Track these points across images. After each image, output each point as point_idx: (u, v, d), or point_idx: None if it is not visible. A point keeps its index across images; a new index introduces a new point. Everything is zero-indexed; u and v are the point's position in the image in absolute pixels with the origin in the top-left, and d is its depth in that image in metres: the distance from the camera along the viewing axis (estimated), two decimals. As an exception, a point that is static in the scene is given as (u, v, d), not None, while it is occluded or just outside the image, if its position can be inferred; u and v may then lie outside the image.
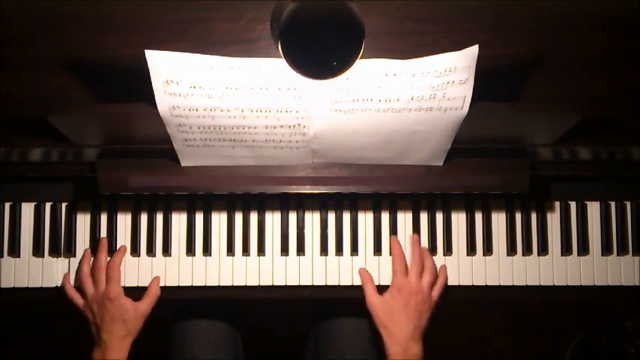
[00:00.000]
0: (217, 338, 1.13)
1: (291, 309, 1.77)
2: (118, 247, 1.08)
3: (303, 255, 1.10)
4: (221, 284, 1.08)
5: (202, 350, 1.08)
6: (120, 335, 1.01)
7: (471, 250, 1.10)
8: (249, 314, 1.37)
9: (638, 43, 0.97)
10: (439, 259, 1.10)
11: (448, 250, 1.10)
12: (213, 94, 0.83)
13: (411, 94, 0.84)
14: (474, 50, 0.79)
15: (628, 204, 1.12)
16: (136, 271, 1.09)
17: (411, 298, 1.02)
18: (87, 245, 1.09)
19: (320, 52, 0.69)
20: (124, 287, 1.08)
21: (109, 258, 1.06)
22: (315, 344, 1.23)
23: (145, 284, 1.08)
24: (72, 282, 1.07)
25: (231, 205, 1.10)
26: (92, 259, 1.07)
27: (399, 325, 1.01)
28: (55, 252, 1.09)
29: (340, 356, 1.16)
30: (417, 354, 1.00)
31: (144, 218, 1.10)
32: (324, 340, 1.21)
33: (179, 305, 1.20)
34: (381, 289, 1.07)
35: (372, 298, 1.04)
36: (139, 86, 0.83)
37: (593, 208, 1.12)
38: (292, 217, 1.10)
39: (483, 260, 1.10)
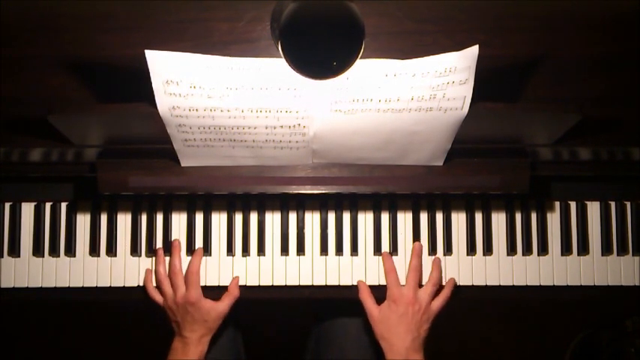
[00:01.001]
0: (219, 339, 1.13)
1: (292, 309, 1.77)
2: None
3: (303, 255, 1.10)
4: (221, 284, 1.08)
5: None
6: (201, 333, 1.05)
7: (471, 250, 1.10)
8: (250, 314, 1.37)
9: (638, 43, 0.97)
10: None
11: (448, 250, 1.10)
12: (213, 94, 0.83)
13: (411, 94, 0.83)
14: (474, 50, 0.79)
15: (628, 204, 1.12)
16: (136, 271, 1.09)
17: (407, 309, 1.03)
18: (87, 245, 1.09)
19: (320, 52, 0.69)
20: (124, 288, 1.08)
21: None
22: (316, 344, 1.24)
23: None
24: (72, 282, 1.07)
25: (231, 205, 1.10)
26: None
27: (397, 335, 1.02)
28: (54, 252, 1.09)
29: (342, 356, 1.16)
30: None
31: (144, 218, 1.10)
32: (326, 340, 1.21)
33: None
34: (383, 289, 1.07)
35: (372, 311, 1.05)
36: (139, 86, 0.83)
37: (593, 208, 1.12)
38: (292, 217, 1.10)
39: (483, 260, 1.10)
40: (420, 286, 1.07)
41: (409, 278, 1.06)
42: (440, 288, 1.08)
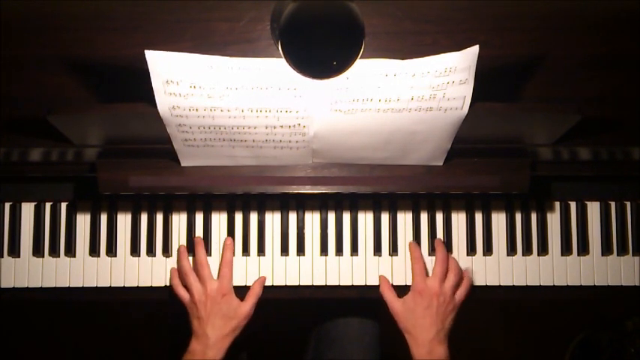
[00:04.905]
0: None
1: (292, 309, 1.77)
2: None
3: (303, 255, 1.10)
4: (221, 284, 1.08)
5: None
6: (224, 332, 1.02)
7: (471, 250, 1.10)
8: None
9: (638, 43, 0.97)
10: (439, 259, 1.10)
11: (448, 250, 1.10)
12: (213, 94, 0.83)
13: (411, 94, 0.84)
14: (474, 50, 0.79)
15: (628, 204, 1.12)
16: (136, 271, 1.09)
17: (432, 301, 1.01)
18: (87, 245, 1.09)
19: (320, 52, 0.69)
20: (124, 288, 1.08)
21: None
22: (317, 344, 1.23)
23: (146, 284, 1.08)
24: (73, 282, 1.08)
25: (231, 205, 1.10)
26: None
27: (422, 327, 1.00)
28: (54, 252, 1.09)
29: (344, 356, 1.16)
30: (442, 356, 0.99)
31: (144, 218, 1.10)
32: (327, 340, 1.20)
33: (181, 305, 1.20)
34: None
35: (393, 304, 1.04)
36: (139, 86, 0.83)
37: (593, 208, 1.12)
38: (292, 217, 1.10)
39: (483, 260, 1.10)
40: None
41: (436, 270, 1.04)
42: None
